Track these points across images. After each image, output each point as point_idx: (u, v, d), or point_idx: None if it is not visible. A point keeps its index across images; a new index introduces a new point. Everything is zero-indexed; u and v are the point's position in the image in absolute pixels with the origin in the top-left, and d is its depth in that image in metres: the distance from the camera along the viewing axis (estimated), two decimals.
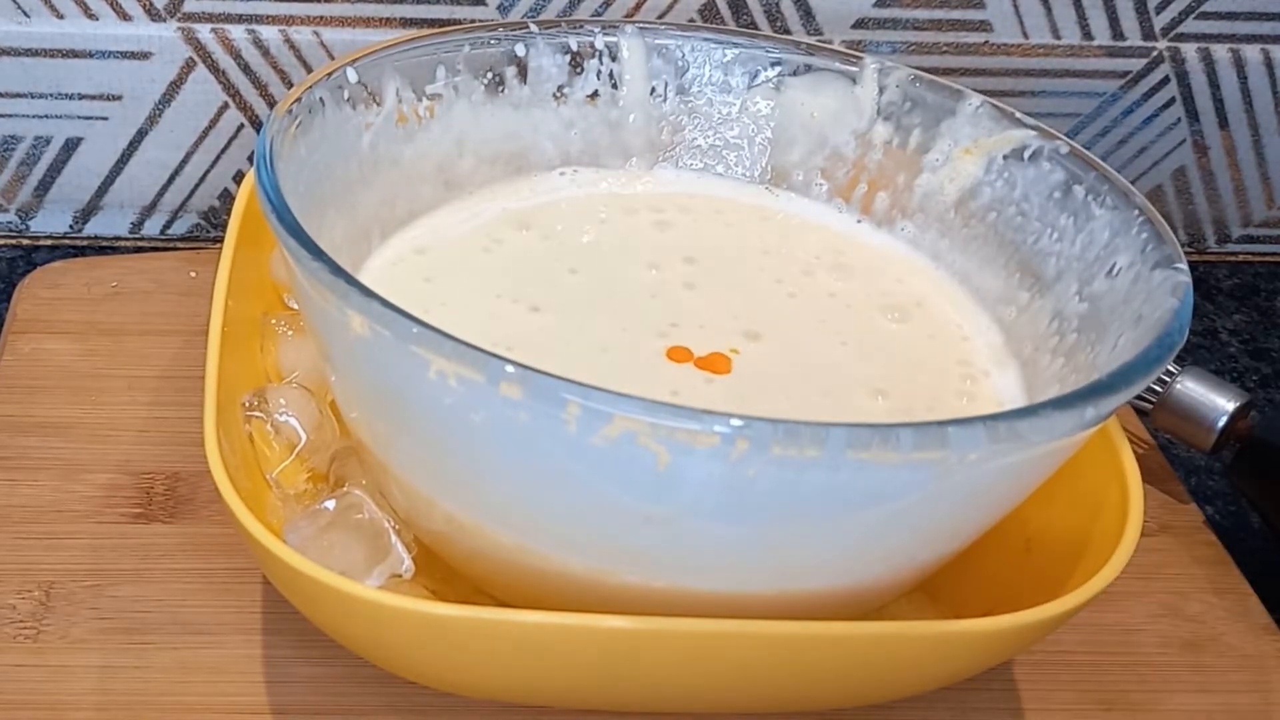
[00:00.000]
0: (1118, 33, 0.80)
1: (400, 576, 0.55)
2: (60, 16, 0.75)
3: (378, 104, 0.61)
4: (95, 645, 0.58)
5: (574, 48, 0.66)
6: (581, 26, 0.66)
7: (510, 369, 0.44)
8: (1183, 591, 0.64)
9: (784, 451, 0.44)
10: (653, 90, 0.68)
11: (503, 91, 0.65)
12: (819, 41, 0.79)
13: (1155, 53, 0.81)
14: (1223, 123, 0.84)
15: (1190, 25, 0.80)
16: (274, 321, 0.65)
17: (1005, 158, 0.63)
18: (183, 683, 0.57)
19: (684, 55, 0.68)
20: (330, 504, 0.56)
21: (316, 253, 0.48)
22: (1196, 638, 0.62)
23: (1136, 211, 0.57)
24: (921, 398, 0.58)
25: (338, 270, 0.47)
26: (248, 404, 0.60)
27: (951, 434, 0.45)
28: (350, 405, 0.55)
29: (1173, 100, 0.83)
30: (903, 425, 0.44)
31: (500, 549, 0.51)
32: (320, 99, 0.58)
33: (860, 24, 0.79)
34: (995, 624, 0.50)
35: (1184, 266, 0.54)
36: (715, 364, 0.58)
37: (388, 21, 0.77)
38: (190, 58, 0.77)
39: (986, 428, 0.45)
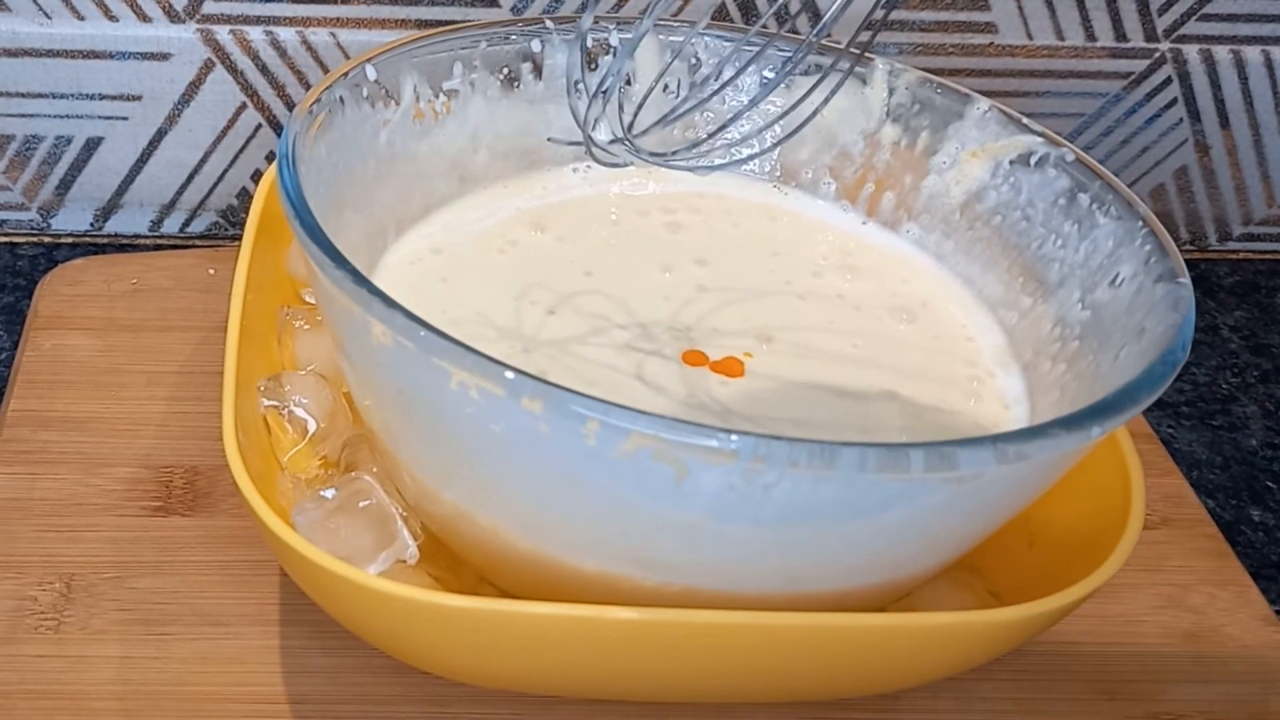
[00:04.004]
0: (1121, 34, 0.81)
1: (404, 562, 0.56)
2: (81, 18, 0.76)
3: (395, 102, 0.62)
4: (115, 636, 0.59)
5: (589, 44, 0.67)
6: (596, 23, 0.67)
7: (532, 385, 0.45)
8: (1184, 583, 0.65)
9: (798, 470, 0.45)
10: (665, 87, 0.68)
11: (518, 87, 0.66)
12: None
13: (1158, 54, 0.82)
14: (1224, 123, 0.84)
15: (1192, 27, 0.81)
16: (290, 315, 0.66)
17: (1011, 163, 0.63)
18: (201, 673, 0.58)
19: (697, 53, 0.68)
20: (338, 489, 0.57)
21: (340, 260, 0.48)
22: (1198, 629, 0.63)
23: (1140, 222, 0.57)
24: (931, 399, 0.59)
25: (361, 279, 0.47)
26: (263, 388, 0.61)
27: (960, 455, 0.45)
28: (365, 399, 0.56)
29: (1175, 101, 0.84)
30: (913, 445, 0.45)
31: (512, 547, 0.52)
32: (340, 98, 0.59)
33: (868, 25, 0.79)
34: (999, 616, 0.51)
35: (1186, 281, 0.54)
36: (730, 368, 0.58)
37: (403, 23, 0.78)
38: (209, 59, 0.77)
39: (995, 449, 0.46)
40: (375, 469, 0.59)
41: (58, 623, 0.59)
